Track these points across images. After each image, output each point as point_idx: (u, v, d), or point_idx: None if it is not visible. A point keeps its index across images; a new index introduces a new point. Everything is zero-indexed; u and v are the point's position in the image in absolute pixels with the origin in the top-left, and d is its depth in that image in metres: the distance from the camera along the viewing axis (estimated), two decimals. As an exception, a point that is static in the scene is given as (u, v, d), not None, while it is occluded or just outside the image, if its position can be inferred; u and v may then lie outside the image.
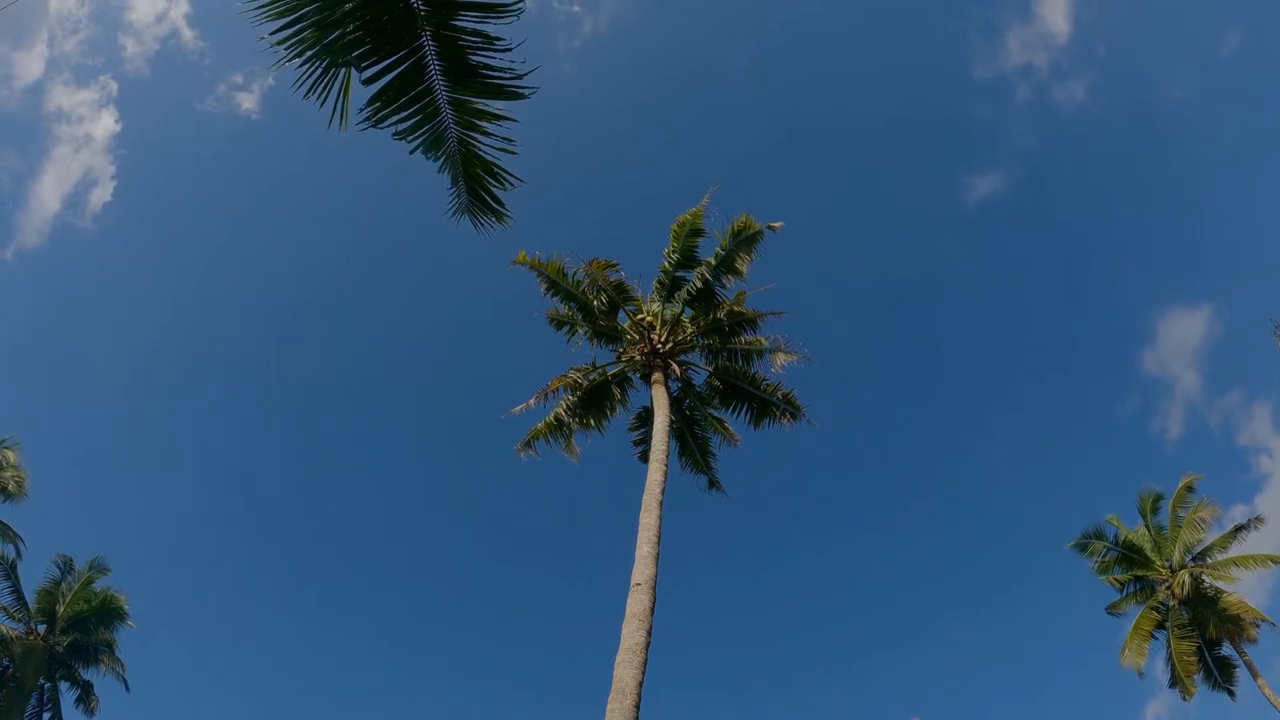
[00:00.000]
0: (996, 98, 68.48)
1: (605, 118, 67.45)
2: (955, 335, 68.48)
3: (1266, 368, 61.92)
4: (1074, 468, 64.18)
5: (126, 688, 31.63)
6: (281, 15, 6.10)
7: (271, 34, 6.15)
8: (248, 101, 65.58)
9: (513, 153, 7.01)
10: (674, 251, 22.73)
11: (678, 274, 22.92)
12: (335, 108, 6.55)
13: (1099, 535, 33.02)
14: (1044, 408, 68.62)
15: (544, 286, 22.85)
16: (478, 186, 7.24)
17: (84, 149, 67.29)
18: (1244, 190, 61.19)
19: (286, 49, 6.19)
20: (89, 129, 67.73)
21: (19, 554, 30.29)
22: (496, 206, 7.43)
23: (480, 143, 6.93)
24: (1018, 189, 67.32)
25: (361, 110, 6.56)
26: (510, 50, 6.28)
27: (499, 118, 6.78)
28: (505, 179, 7.23)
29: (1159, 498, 32.53)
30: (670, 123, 68.09)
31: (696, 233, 22.54)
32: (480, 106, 6.72)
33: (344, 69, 6.40)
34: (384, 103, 6.53)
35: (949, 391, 69.41)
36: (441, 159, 7.01)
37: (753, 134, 68.72)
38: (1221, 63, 61.44)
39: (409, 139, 6.72)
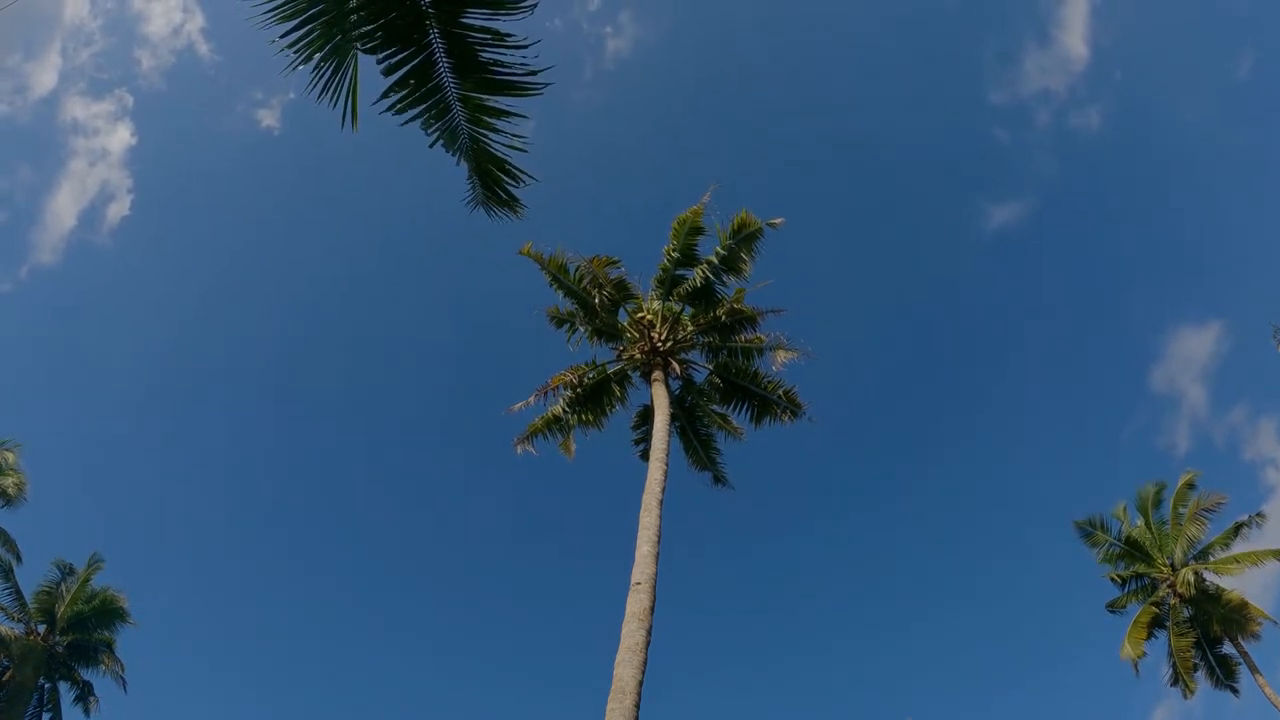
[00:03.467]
0: (1014, 123, 69.06)
1: (621, 122, 67.90)
2: (968, 348, 68.92)
3: (1272, 383, 62.39)
4: (1079, 482, 64.62)
5: (125, 688, 31.61)
6: (291, 17, 6.07)
7: (282, 36, 6.12)
8: (267, 118, 65.31)
9: (523, 150, 7.02)
10: (674, 249, 22.65)
11: (678, 272, 22.86)
12: (345, 108, 6.53)
13: (1104, 527, 33.05)
14: (1052, 421, 69.12)
15: (548, 279, 22.88)
16: (490, 181, 7.22)
17: (100, 163, 66.65)
18: (1255, 209, 61.77)
19: (296, 52, 6.17)
20: (105, 142, 66.98)
21: (18, 557, 30.24)
22: (509, 200, 7.42)
23: (491, 139, 6.91)
24: (1033, 213, 67.97)
25: (374, 103, 6.53)
26: (525, 47, 6.25)
27: (509, 114, 6.76)
28: (518, 175, 7.21)
29: (1160, 489, 32.55)
30: (688, 138, 68.58)
31: (697, 230, 22.47)
32: (491, 103, 6.70)
33: (352, 71, 6.38)
34: (395, 100, 6.49)
35: (960, 402, 69.86)
36: (458, 153, 6.97)
37: (769, 152, 69.15)
38: (1236, 85, 61.95)
39: (428, 130, 6.68)
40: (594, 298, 22.46)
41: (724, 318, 22.83)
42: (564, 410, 22.69)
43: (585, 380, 22.83)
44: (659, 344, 22.19)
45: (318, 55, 6.23)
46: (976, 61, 68.71)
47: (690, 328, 22.98)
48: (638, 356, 22.36)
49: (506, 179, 7.19)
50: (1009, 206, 69.59)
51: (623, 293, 22.80)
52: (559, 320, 23.71)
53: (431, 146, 6.77)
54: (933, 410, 70.27)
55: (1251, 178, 62.13)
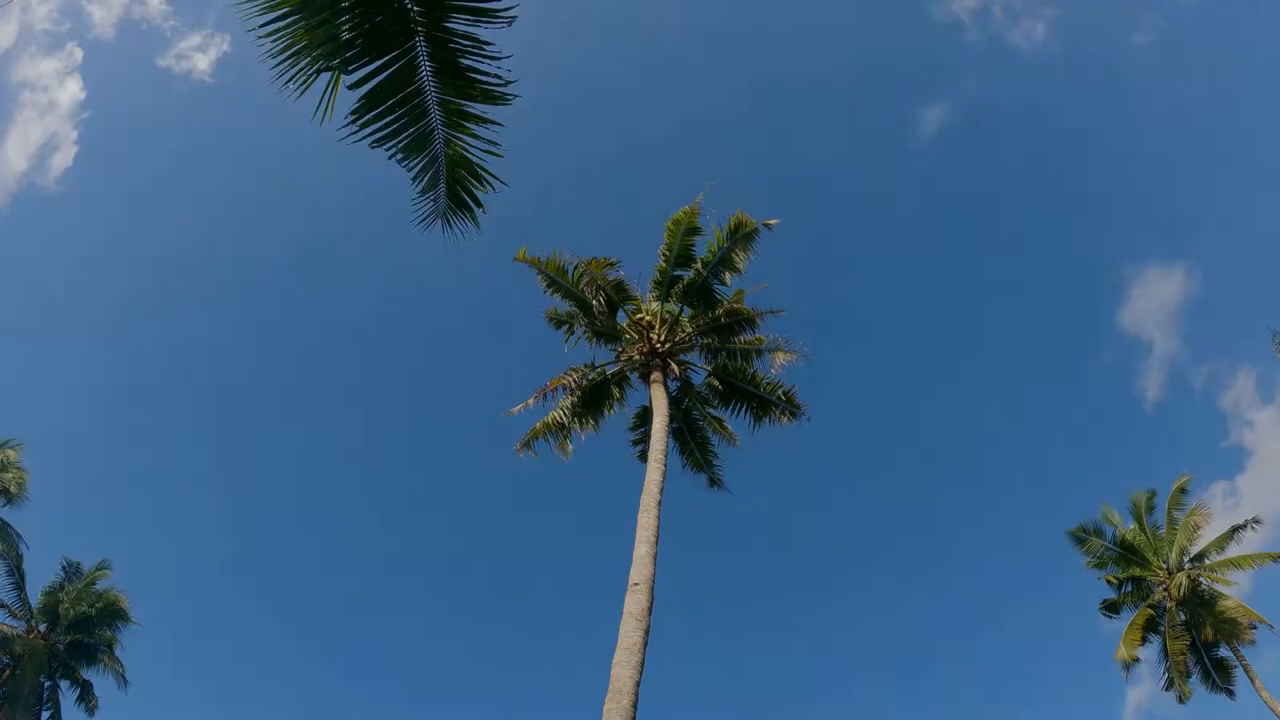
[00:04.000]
0: (951, 39, 68.27)
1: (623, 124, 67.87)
2: (969, 349, 68.71)
3: (1246, 334, 61.68)
4: (1063, 451, 64.50)
5: (124, 686, 31.75)
6: (273, 9, 6.16)
7: (261, 26, 6.19)
8: (202, 63, 65.43)
9: (498, 155, 7.16)
10: (669, 250, 22.55)
11: (675, 272, 22.83)
12: (321, 104, 6.61)
13: (1098, 532, 33.03)
14: (1043, 402, 69.05)
15: (544, 284, 22.81)
16: (459, 187, 7.39)
17: (48, 114, 67.18)
18: (1211, 143, 61.09)
19: (273, 41, 6.23)
20: (53, 96, 67.69)
21: (20, 555, 30.42)
22: (475, 207, 7.62)
23: (467, 144, 7.06)
24: (968, 128, 67.03)
25: (347, 118, 6.63)
26: (501, 59, 6.37)
27: (485, 120, 6.90)
28: (488, 180, 7.39)
29: (1152, 495, 32.60)
30: (682, 135, 68.04)
31: (693, 230, 22.35)
32: (468, 109, 6.83)
33: (334, 73, 6.47)
34: (372, 102, 6.60)
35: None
36: (419, 164, 7.13)
37: (722, 96, 68.51)
38: (1186, 8, 61.24)
39: (389, 143, 6.81)
40: (592, 299, 22.47)
41: (723, 318, 22.83)
42: (564, 414, 22.68)
43: (584, 382, 22.87)
44: (658, 345, 22.22)
45: (295, 49, 6.26)
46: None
47: (689, 329, 22.99)
48: (636, 358, 22.38)
49: (476, 185, 7.37)
50: (938, 111, 68.58)
51: (621, 294, 22.81)
52: (558, 321, 23.70)
53: (390, 158, 6.92)
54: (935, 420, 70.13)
55: (1205, 105, 60.96)
